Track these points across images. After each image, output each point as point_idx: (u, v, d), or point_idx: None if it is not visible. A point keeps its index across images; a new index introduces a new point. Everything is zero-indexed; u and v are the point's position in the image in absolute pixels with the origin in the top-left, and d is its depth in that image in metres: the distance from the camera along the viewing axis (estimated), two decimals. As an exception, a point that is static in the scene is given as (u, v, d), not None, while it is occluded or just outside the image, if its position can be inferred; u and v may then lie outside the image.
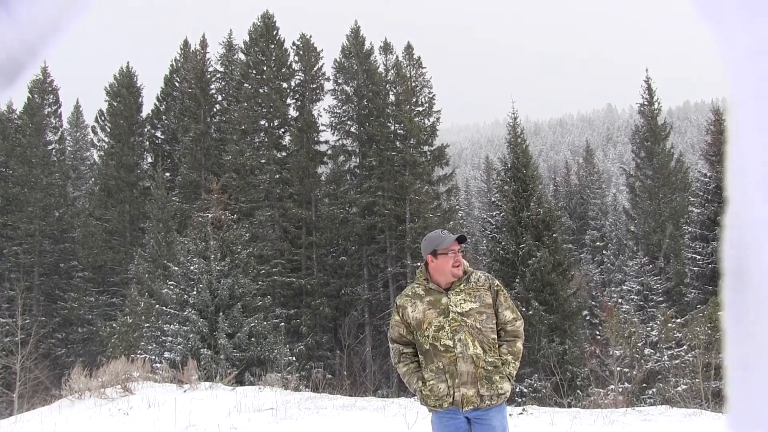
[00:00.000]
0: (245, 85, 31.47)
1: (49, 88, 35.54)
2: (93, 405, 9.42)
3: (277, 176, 30.41)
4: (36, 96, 34.58)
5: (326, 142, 32.22)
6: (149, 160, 35.73)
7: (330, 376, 20.66)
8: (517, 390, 16.84)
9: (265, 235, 28.37)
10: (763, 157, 0.39)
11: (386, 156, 29.57)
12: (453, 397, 3.34)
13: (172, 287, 18.78)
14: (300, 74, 32.43)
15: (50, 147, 34.90)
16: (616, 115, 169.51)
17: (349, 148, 32.11)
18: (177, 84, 36.59)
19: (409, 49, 31.56)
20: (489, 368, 3.34)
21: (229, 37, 35.82)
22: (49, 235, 32.13)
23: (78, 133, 42.37)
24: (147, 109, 36.79)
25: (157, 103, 36.76)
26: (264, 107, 31.39)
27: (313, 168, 30.86)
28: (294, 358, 19.52)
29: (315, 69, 32.30)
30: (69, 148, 39.70)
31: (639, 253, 30.16)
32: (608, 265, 36.04)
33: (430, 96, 31.15)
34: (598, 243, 38.92)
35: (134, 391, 10.32)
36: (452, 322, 3.36)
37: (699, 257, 23.48)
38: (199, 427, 7.80)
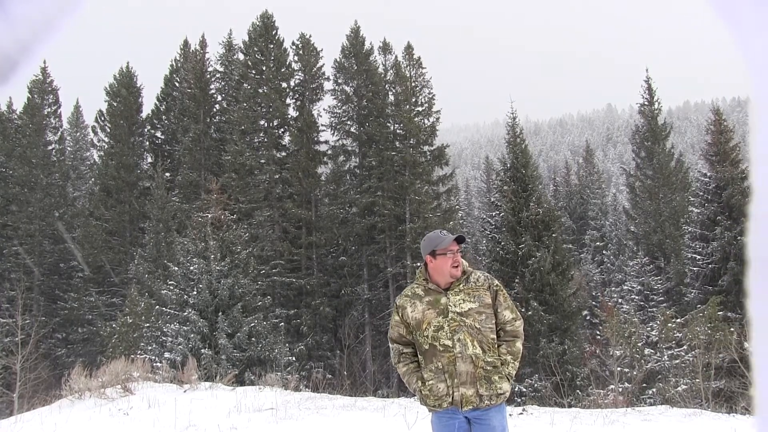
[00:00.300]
0: (244, 85, 31.45)
1: (49, 88, 35.53)
2: (93, 405, 9.41)
3: (277, 176, 30.40)
4: (36, 96, 34.58)
5: (326, 142, 32.21)
6: (149, 160, 35.73)
7: (330, 376, 20.66)
8: (517, 390, 16.84)
9: (265, 236, 28.36)
10: None
11: (386, 156, 29.56)
12: (452, 397, 3.34)
13: (171, 287, 18.77)
14: (300, 74, 32.42)
15: (50, 147, 34.88)
16: (616, 115, 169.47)
17: (349, 148, 32.10)
18: (177, 84, 36.59)
19: (408, 49, 31.56)
20: (488, 368, 3.35)
21: (229, 37, 35.84)
22: (49, 235, 32.14)
23: (78, 133, 42.40)
24: (147, 109, 36.85)
25: (157, 103, 36.76)
26: (263, 107, 31.38)
27: (312, 168, 30.86)
28: (294, 358, 19.53)
29: (315, 69, 32.29)
30: (69, 148, 39.71)
31: (639, 253, 30.17)
32: (608, 265, 36.03)
33: (430, 96, 31.14)
34: (598, 243, 38.91)
35: (134, 391, 10.32)
36: (451, 322, 3.36)
37: (699, 257, 23.45)
38: (199, 427, 7.80)
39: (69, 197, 34.95)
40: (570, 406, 11.29)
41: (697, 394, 12.79)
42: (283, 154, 31.78)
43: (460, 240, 3.47)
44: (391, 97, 31.41)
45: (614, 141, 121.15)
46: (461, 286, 3.44)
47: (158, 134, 36.73)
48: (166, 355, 16.07)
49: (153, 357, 16.05)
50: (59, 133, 36.30)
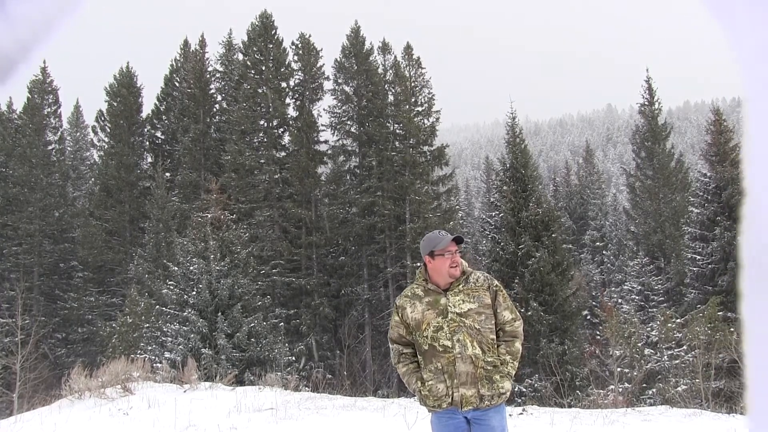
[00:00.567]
0: (244, 85, 31.44)
1: (49, 88, 35.54)
2: (93, 405, 9.41)
3: (277, 176, 30.39)
4: (36, 96, 34.58)
5: (326, 142, 32.21)
6: (149, 160, 35.73)
7: (330, 376, 20.66)
8: (517, 390, 16.83)
9: (265, 235, 28.36)
10: None
11: (386, 156, 29.56)
12: (452, 398, 3.34)
13: (171, 287, 18.78)
14: (299, 74, 32.41)
15: (50, 147, 34.89)
16: (616, 115, 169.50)
17: (349, 148, 32.09)
18: (177, 84, 36.58)
19: (408, 49, 31.56)
20: (489, 368, 3.35)
21: (229, 37, 35.84)
22: (49, 235, 32.15)
23: (78, 133, 42.38)
24: (147, 109, 36.84)
25: (157, 103, 36.75)
26: (263, 107, 31.38)
27: (312, 168, 30.85)
28: (294, 358, 19.54)
29: (315, 69, 32.28)
30: (69, 148, 39.69)
31: (639, 254, 30.17)
32: (608, 265, 36.03)
33: (430, 96, 31.15)
34: (598, 243, 38.90)
35: (134, 391, 10.32)
36: (451, 322, 3.36)
37: (699, 257, 23.45)
38: (199, 427, 7.80)
39: (69, 197, 34.95)
40: (570, 407, 11.28)
41: (697, 395, 12.79)
42: (283, 154, 31.77)
43: (458, 240, 3.46)
44: (391, 97, 31.41)
45: (614, 141, 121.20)
46: (461, 286, 3.44)
47: (158, 134, 36.72)
48: (166, 355, 16.08)
49: (153, 357, 16.06)
50: (59, 133, 36.31)
